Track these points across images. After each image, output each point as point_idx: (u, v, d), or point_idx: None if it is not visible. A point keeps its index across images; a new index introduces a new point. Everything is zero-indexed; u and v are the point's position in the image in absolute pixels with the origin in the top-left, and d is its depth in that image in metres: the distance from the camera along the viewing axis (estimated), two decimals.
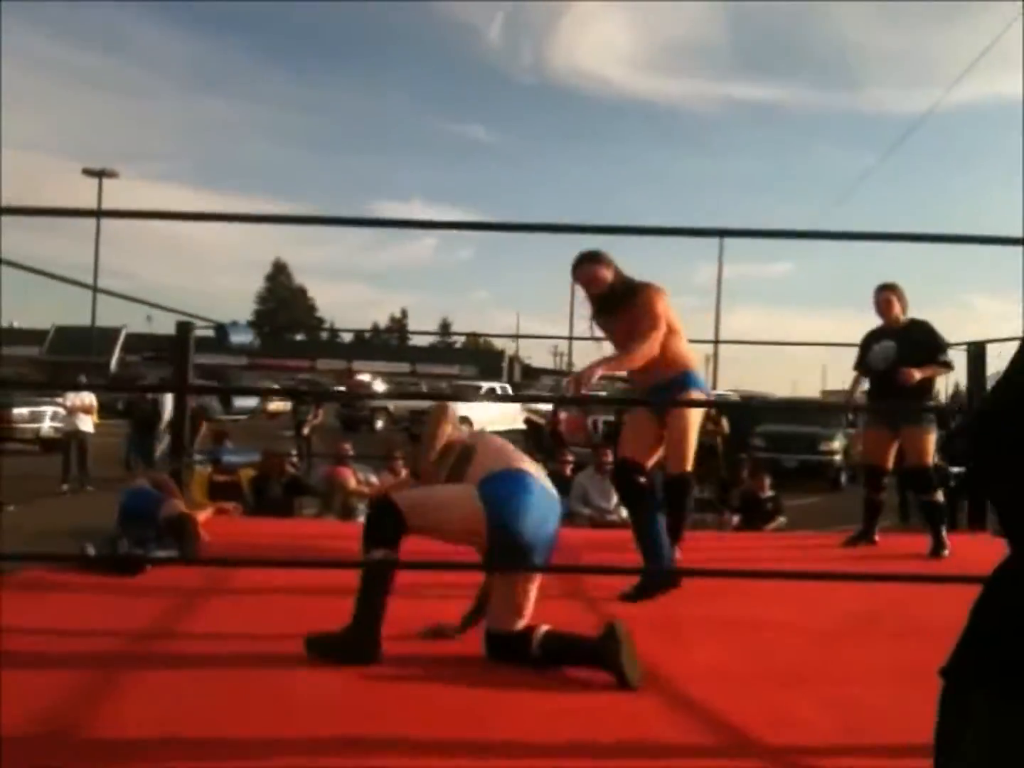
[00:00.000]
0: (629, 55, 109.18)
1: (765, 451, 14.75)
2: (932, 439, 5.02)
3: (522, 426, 21.51)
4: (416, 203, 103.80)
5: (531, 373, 57.53)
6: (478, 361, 54.02)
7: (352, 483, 7.55)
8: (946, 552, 4.86)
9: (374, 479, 7.75)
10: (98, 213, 8.65)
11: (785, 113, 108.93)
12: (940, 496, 5.07)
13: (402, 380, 43.86)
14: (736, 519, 8.17)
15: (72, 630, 3.14)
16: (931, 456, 5.04)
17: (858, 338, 5.36)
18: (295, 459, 8.23)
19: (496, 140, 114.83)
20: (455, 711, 2.46)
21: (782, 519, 8.05)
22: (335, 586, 3.16)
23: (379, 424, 24.52)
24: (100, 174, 26.97)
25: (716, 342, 25.27)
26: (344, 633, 2.77)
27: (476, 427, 22.19)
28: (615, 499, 6.92)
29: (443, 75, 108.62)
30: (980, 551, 4.96)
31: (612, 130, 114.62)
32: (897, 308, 5.09)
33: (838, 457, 15.84)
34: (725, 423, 13.34)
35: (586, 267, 3.87)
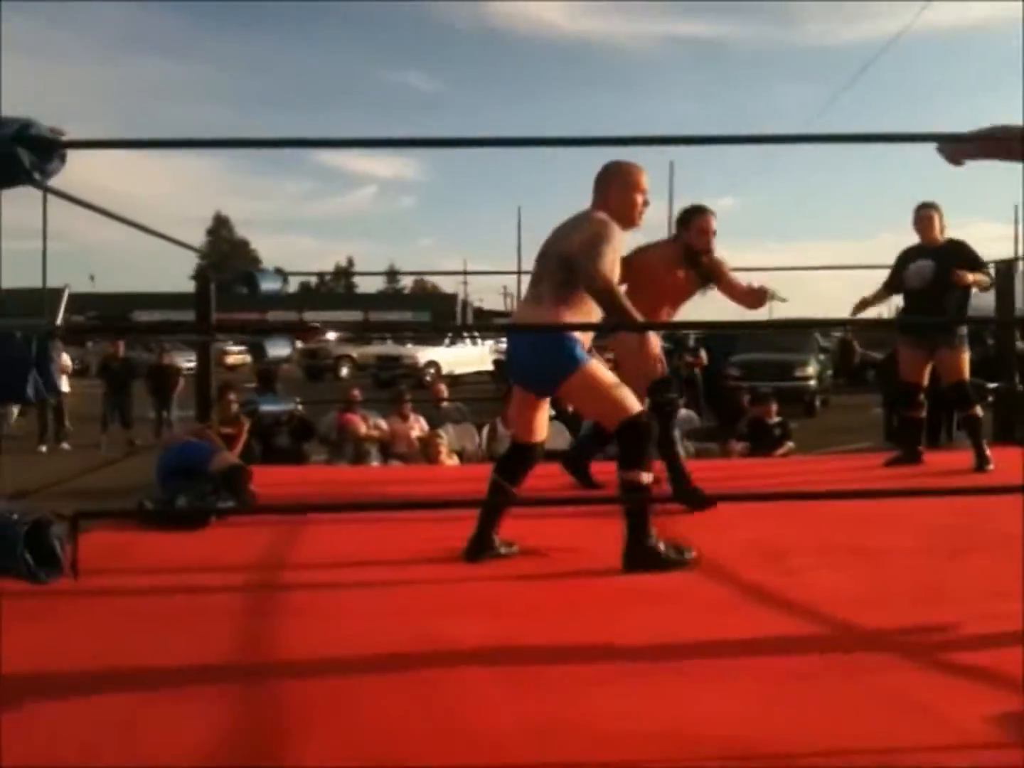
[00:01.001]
0: None
1: (740, 379, 14.82)
2: (966, 358, 5.05)
3: (490, 367, 21.48)
4: (357, 154, 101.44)
5: (483, 316, 57.18)
6: (430, 306, 53.46)
7: (363, 429, 7.42)
8: (991, 466, 4.89)
9: (383, 424, 7.62)
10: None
11: (728, 51, 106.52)
12: (979, 410, 5.10)
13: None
14: (740, 447, 8.20)
15: (163, 583, 3.04)
16: (967, 373, 5.07)
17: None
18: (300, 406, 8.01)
19: (436, 87, 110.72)
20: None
21: (790, 444, 8.09)
22: (393, 532, 3.27)
23: (344, 372, 24.20)
24: None
25: None
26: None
27: (444, 368, 22.02)
28: None
29: (377, 24, 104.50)
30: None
31: (555, 75, 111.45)
32: (937, 227, 5.06)
33: (812, 382, 16.05)
34: (704, 355, 13.42)
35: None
